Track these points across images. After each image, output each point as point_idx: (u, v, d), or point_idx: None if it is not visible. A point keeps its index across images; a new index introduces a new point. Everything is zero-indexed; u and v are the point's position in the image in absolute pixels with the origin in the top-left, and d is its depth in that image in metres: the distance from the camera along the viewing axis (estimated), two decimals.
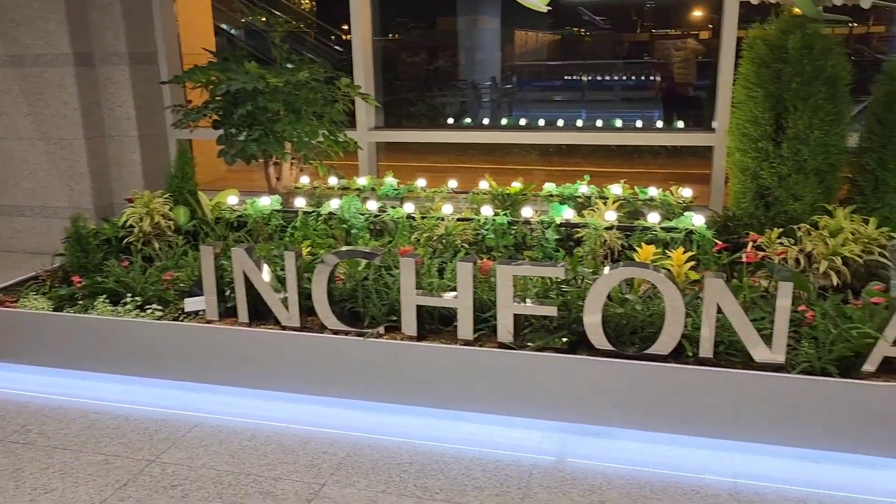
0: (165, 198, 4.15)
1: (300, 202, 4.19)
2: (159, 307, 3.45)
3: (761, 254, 3.34)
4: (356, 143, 4.72)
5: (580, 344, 2.97)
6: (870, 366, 2.67)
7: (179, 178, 4.33)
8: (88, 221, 4.13)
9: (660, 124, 6.10)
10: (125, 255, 3.94)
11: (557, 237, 3.75)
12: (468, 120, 7.05)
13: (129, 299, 3.49)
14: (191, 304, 3.40)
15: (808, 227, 3.45)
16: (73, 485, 2.75)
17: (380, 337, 3.12)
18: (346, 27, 6.36)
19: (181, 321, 3.37)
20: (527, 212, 3.87)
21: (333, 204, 4.08)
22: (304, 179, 4.71)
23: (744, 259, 3.30)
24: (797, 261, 3.33)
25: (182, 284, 3.56)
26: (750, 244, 3.38)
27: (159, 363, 3.38)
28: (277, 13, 6.73)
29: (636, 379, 2.84)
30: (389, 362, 3.08)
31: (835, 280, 3.23)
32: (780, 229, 3.49)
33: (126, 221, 4.01)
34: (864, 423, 2.65)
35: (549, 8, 3.86)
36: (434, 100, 7.60)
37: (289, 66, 4.42)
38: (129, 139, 5.45)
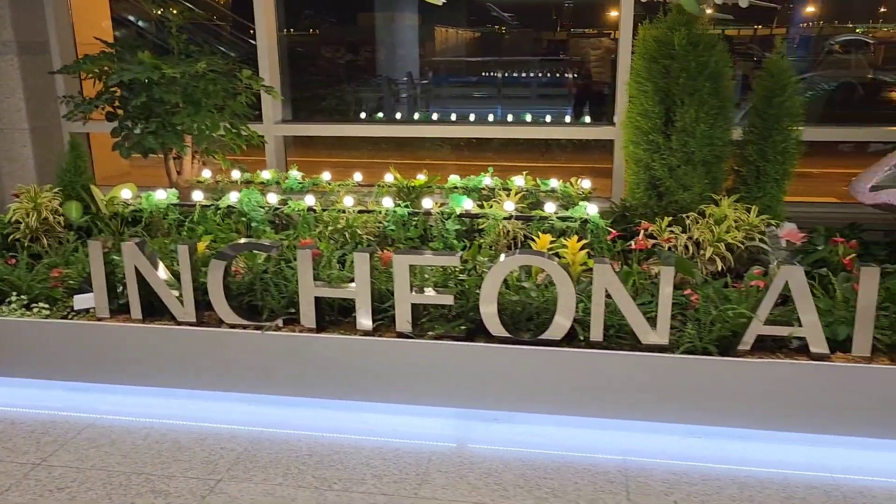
0: (55, 192, 3.98)
1: (198, 196, 4.08)
2: (46, 306, 3.30)
3: (652, 241, 3.47)
4: (261, 136, 4.63)
5: (478, 331, 3.01)
6: (745, 344, 2.82)
7: (72, 172, 4.17)
8: None
9: (571, 118, 6.28)
10: (11, 253, 3.75)
11: (461, 228, 3.79)
12: (381, 115, 7.04)
13: (13, 298, 3.32)
14: (80, 301, 3.27)
15: (696, 215, 3.60)
16: None
17: (278, 330, 3.08)
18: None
19: (69, 319, 3.24)
20: (428, 203, 3.89)
21: (233, 197, 3.99)
22: (207, 173, 4.61)
23: (634, 246, 3.42)
24: (686, 247, 3.48)
25: (72, 282, 3.41)
26: (641, 232, 3.51)
27: (46, 363, 3.24)
28: (183, 2, 6.51)
29: (531, 364, 2.90)
30: (289, 355, 3.05)
31: (720, 265, 3.39)
32: (671, 218, 3.63)
33: (11, 217, 3.83)
34: (741, 399, 2.79)
35: (445, 1, 3.89)
36: (350, 95, 7.55)
37: (194, 56, 4.29)
38: (20, 132, 5.19)
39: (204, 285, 3.14)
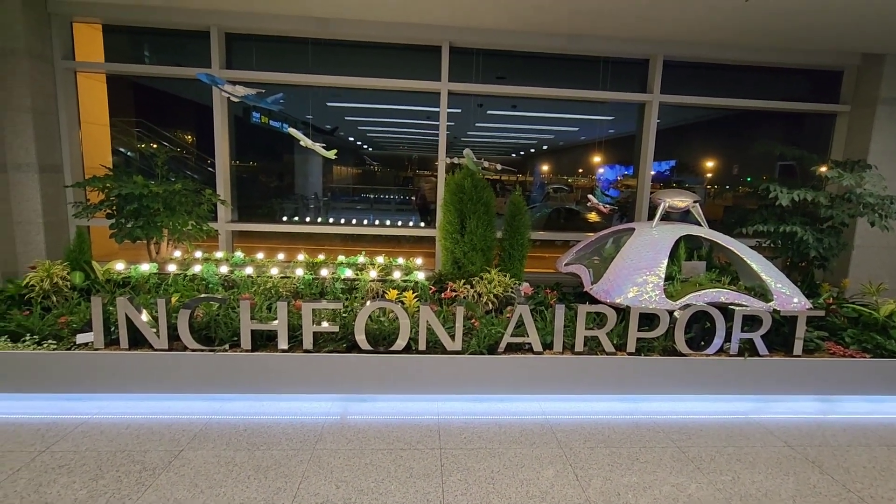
0: (63, 265, 3.65)
1: (171, 268, 3.91)
2: (54, 342, 3.03)
3: (454, 293, 3.79)
4: (216, 230, 4.51)
5: (353, 348, 3.11)
6: (501, 348, 3.15)
7: (77, 251, 3.84)
8: None
9: (411, 223, 6.65)
10: (26, 307, 3.38)
11: (344, 287, 3.88)
12: (297, 219, 7.02)
13: (27, 338, 3.03)
14: (81, 338, 3.02)
15: (478, 278, 3.98)
16: None
17: (226, 351, 3.03)
18: (206, 154, 6.12)
19: (72, 350, 2.97)
20: (324, 272, 3.96)
21: (196, 268, 3.86)
22: (177, 254, 4.40)
23: (444, 295, 3.72)
24: (473, 296, 3.83)
25: (75, 325, 3.14)
26: (448, 288, 3.82)
27: (48, 381, 2.93)
28: (164, 143, 6.27)
29: (386, 364, 3.03)
30: (232, 366, 2.99)
31: (491, 306, 3.76)
32: (464, 280, 3.98)
33: (28, 282, 3.47)
34: (499, 378, 3.09)
35: (337, 156, 4.10)
36: (276, 205, 7.49)
37: (172, 179, 4.17)
38: (35, 225, 4.64)
39: (174, 325, 3.04)
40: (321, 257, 4.50)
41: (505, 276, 3.99)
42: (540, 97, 5.23)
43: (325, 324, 3.13)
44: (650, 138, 5.26)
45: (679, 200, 3.95)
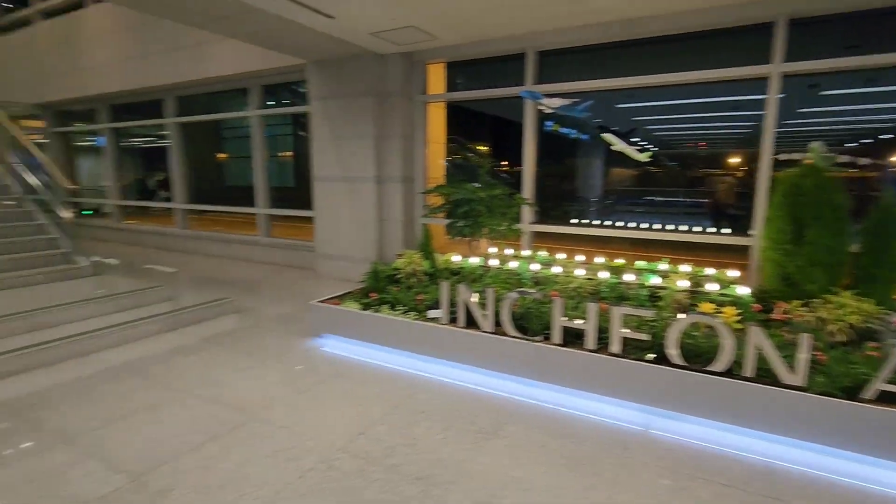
0: (419, 255, 4.61)
1: (492, 262, 4.46)
2: (415, 313, 3.77)
3: (786, 316, 3.15)
4: (521, 230, 4.95)
5: (662, 359, 2.90)
6: (868, 394, 2.45)
7: (425, 244, 4.80)
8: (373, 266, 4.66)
9: (699, 228, 5.83)
10: (395, 284, 4.35)
11: (647, 294, 3.68)
12: (582, 221, 7.08)
13: (399, 308, 3.86)
14: (432, 313, 3.67)
15: (822, 300, 3.21)
16: (365, 404, 3.05)
17: (539, 342, 3.22)
18: (505, 163, 6.74)
19: (424, 322, 3.61)
20: (627, 277, 3.83)
21: (513, 264, 4.28)
22: (492, 249, 5.03)
23: (774, 317, 3.13)
24: (816, 322, 3.10)
25: (427, 302, 3.83)
26: (780, 308, 3.20)
27: (411, 343, 3.63)
28: (470, 154, 7.21)
29: (701, 385, 2.71)
30: (544, 356, 3.15)
31: (839, 338, 2.97)
32: (800, 301, 3.26)
33: (396, 265, 4.50)
34: (861, 433, 2.39)
35: (651, 159, 3.92)
36: (564, 208, 7.74)
37: (491, 183, 4.74)
38: (396, 223, 6.07)
39: (497, 311, 3.43)
40: (619, 261, 4.42)
41: (864, 301, 3.09)
42: None
43: (626, 330, 3.01)
44: None
45: None
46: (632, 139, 4.62)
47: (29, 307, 3.96)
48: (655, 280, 3.71)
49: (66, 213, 5.28)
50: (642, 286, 3.67)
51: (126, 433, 2.69)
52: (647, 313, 2.99)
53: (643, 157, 3.94)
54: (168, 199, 9.09)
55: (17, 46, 9.92)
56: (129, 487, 2.24)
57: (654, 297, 3.67)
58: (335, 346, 3.97)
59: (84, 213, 10.11)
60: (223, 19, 4.56)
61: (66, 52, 9.05)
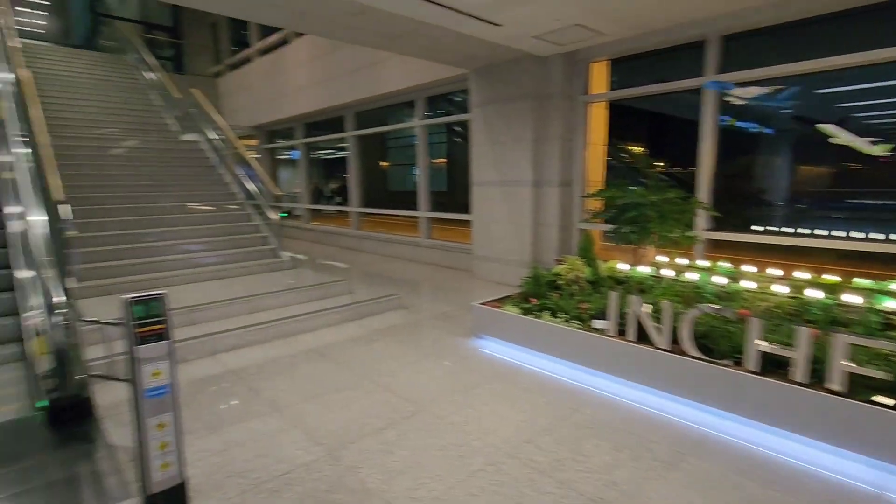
0: (581, 261, 4.43)
1: (666, 272, 4.08)
2: (577, 322, 3.64)
3: None
4: (697, 238, 4.44)
5: None
6: None
7: (586, 250, 4.59)
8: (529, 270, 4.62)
9: None
10: (556, 290, 4.25)
11: (879, 320, 2.99)
12: (765, 228, 6.05)
13: (561, 315, 3.77)
14: (598, 323, 3.50)
15: None
16: (528, 410, 3.01)
17: (727, 366, 2.85)
18: (660, 163, 6.09)
19: (589, 332, 3.47)
20: (848, 298, 3.17)
21: (693, 276, 3.87)
22: (659, 258, 4.62)
23: None
24: None
25: (590, 311, 3.66)
26: None
27: (573, 353, 3.52)
28: (623, 155, 6.73)
29: None
30: (734, 383, 2.80)
31: None
32: None
33: (556, 271, 4.40)
34: None
35: (892, 153, 3.15)
36: (748, 213, 6.75)
37: (662, 185, 4.34)
38: (551, 228, 5.96)
39: (674, 327, 3.12)
40: (830, 278, 3.66)
41: None
42: None
43: (850, 363, 2.48)
44: None
45: None
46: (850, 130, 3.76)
47: (249, 293, 4.85)
48: (890, 303, 2.98)
49: (274, 216, 6.33)
50: (871, 310, 2.97)
51: (321, 410, 3.10)
52: (888, 345, 2.42)
53: (879, 151, 3.17)
54: (340, 204, 10.36)
55: (240, 80, 12.30)
56: (325, 459, 2.57)
57: (888, 324, 2.97)
58: (494, 348, 4.04)
59: (281, 215, 12.08)
60: (399, 37, 4.99)
61: (272, 81, 10.92)
